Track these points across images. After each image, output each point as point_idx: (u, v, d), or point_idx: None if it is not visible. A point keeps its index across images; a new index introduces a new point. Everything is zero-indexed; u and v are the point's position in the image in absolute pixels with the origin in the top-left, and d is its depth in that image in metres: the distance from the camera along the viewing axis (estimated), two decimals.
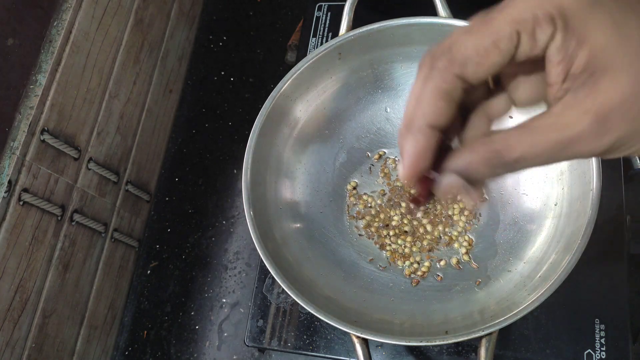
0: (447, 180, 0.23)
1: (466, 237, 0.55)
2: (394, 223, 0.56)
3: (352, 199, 0.58)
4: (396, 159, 0.59)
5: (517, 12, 0.19)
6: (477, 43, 0.20)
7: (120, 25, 0.66)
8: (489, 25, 0.20)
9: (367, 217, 0.57)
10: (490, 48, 0.20)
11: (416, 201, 0.35)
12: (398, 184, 0.58)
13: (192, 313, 0.66)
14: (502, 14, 0.20)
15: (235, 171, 0.72)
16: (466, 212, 0.56)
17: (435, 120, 0.22)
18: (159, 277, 0.69)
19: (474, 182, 0.23)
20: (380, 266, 0.55)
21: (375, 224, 0.57)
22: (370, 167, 0.59)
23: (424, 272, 0.54)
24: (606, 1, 0.19)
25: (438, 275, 0.54)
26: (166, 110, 0.78)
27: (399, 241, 0.55)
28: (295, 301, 0.46)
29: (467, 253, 0.54)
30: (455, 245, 0.55)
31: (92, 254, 0.64)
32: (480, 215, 0.56)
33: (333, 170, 0.59)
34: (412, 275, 0.54)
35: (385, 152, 0.59)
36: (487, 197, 0.56)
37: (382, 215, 0.57)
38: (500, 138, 0.22)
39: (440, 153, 0.23)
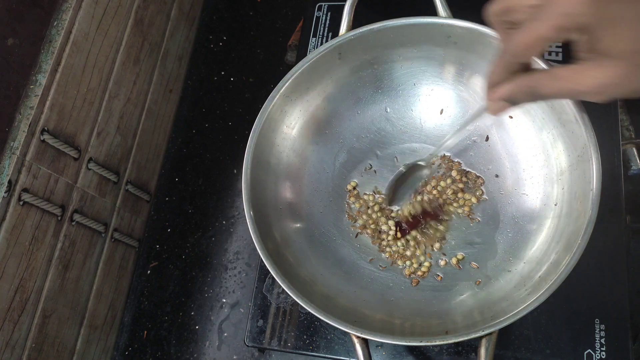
0: (497, 102, 0.37)
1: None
2: (385, 228, 0.56)
3: (352, 199, 0.58)
4: (397, 157, 0.59)
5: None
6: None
7: (120, 25, 0.66)
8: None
9: (364, 216, 0.57)
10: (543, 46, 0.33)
11: (402, 229, 0.55)
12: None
13: (192, 313, 0.66)
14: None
15: (235, 171, 0.72)
16: (466, 209, 0.56)
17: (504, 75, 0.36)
18: (159, 277, 0.69)
19: (514, 104, 0.37)
20: (381, 266, 0.55)
21: (372, 226, 0.57)
22: (370, 166, 0.59)
23: (424, 272, 0.54)
24: (616, 15, 0.29)
25: (438, 275, 0.54)
26: (166, 110, 0.78)
27: (399, 243, 0.55)
28: (295, 301, 0.46)
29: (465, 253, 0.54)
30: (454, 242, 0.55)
31: (92, 254, 0.64)
32: (477, 217, 0.56)
33: (333, 170, 0.59)
34: (412, 275, 0.54)
35: (357, 183, 0.59)
36: (486, 197, 0.56)
37: (377, 215, 0.57)
38: (536, 78, 0.34)
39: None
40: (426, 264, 0.54)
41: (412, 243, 0.55)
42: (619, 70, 0.31)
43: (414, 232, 0.55)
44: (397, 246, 0.55)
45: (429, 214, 0.55)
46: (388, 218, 0.57)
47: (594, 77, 0.32)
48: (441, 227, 0.56)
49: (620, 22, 0.30)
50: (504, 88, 0.36)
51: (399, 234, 0.55)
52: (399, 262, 0.55)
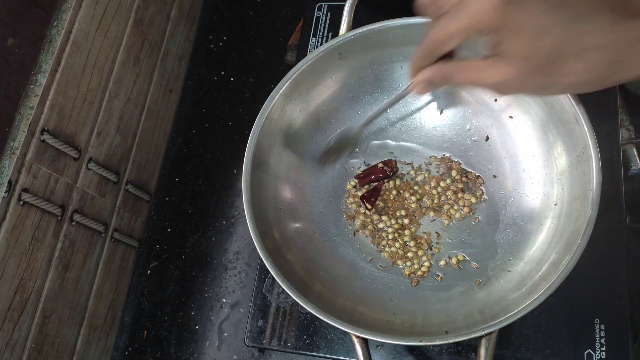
0: (419, 83, 0.40)
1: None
2: (382, 225, 0.56)
3: (350, 199, 0.58)
4: (397, 157, 0.59)
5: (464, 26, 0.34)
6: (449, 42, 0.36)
7: (120, 25, 0.66)
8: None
9: (362, 217, 0.57)
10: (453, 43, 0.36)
11: (367, 199, 0.56)
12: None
13: (192, 313, 0.66)
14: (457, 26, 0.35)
15: (235, 171, 0.72)
16: (466, 209, 0.56)
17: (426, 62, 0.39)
18: (159, 277, 0.69)
19: (432, 86, 0.40)
20: (380, 266, 0.55)
21: (370, 227, 0.57)
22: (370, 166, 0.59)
23: (424, 272, 0.54)
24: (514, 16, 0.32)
25: (438, 275, 0.54)
26: (166, 110, 0.78)
27: (397, 244, 0.55)
28: (295, 301, 0.46)
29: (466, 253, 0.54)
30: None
31: (92, 254, 0.64)
32: (477, 217, 0.56)
33: (333, 170, 0.59)
34: (412, 275, 0.54)
35: (356, 183, 0.59)
36: (486, 197, 0.56)
37: (375, 217, 0.57)
38: (450, 66, 0.38)
39: None
40: (426, 264, 0.54)
41: (412, 243, 0.55)
42: (512, 71, 0.34)
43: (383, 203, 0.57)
44: (396, 247, 0.55)
45: (379, 172, 0.57)
46: (384, 215, 0.57)
47: (492, 74, 0.35)
48: (407, 194, 0.57)
49: (521, 30, 0.32)
50: (425, 72, 0.39)
51: (368, 206, 0.57)
52: (399, 262, 0.55)
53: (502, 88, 0.36)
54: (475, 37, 0.34)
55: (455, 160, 0.58)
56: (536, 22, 0.32)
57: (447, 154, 0.58)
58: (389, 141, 0.60)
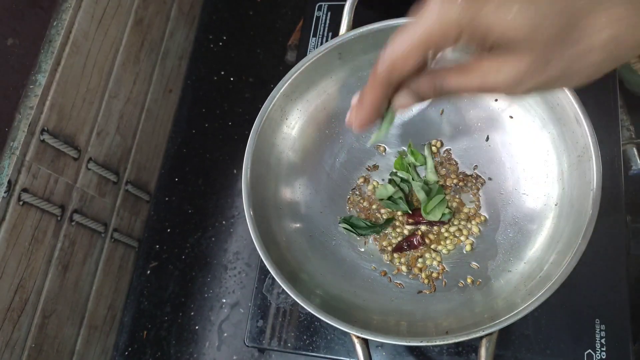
0: (403, 95, 0.33)
1: (470, 239, 0.55)
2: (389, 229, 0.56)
3: (361, 179, 0.58)
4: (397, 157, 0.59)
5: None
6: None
7: (120, 25, 0.66)
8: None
9: (365, 203, 0.57)
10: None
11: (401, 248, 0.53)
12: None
13: (192, 313, 0.66)
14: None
15: (235, 171, 0.72)
16: (465, 210, 0.56)
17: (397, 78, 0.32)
18: (159, 277, 0.69)
19: (422, 98, 0.33)
20: (381, 270, 0.55)
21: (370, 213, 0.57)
22: (370, 167, 0.59)
23: (431, 273, 0.54)
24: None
25: (438, 275, 0.54)
26: (166, 110, 0.78)
27: (402, 259, 0.55)
28: (295, 301, 0.46)
29: (472, 248, 0.54)
30: (463, 238, 0.55)
31: (92, 254, 0.64)
32: (478, 217, 0.56)
33: (333, 170, 0.59)
34: (423, 280, 0.54)
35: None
36: (486, 197, 0.56)
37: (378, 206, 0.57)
38: (441, 74, 0.31)
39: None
40: (435, 273, 0.54)
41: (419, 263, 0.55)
42: (526, 58, 0.27)
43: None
44: (398, 259, 0.55)
45: (410, 242, 0.55)
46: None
47: (503, 71, 0.28)
48: (428, 255, 0.55)
49: (508, 8, 0.26)
50: (415, 82, 0.33)
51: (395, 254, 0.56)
52: (403, 269, 0.55)
53: (519, 85, 0.29)
54: (446, 46, 0.28)
55: (455, 161, 0.58)
56: None
57: (450, 149, 0.58)
58: (389, 141, 0.60)
